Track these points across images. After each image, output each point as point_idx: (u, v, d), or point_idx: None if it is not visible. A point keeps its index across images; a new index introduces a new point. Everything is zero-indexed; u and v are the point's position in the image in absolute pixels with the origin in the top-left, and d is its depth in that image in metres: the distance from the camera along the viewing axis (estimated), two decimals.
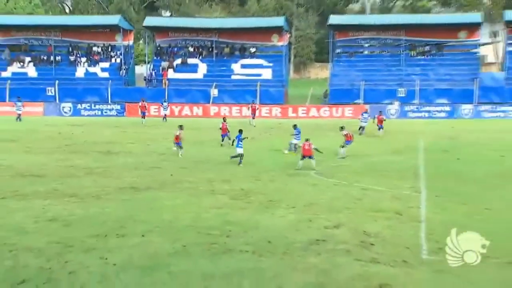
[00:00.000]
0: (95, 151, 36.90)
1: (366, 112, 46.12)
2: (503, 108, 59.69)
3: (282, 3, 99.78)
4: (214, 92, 65.26)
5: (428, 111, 60.27)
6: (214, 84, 65.94)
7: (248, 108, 56.24)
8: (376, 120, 44.48)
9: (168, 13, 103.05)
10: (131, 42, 74.14)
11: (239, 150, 31.98)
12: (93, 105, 64.69)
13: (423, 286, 14.78)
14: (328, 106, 62.78)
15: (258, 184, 27.08)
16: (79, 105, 64.50)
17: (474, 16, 73.04)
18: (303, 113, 60.71)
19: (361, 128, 44.65)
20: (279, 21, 72.25)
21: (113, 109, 64.12)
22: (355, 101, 62.69)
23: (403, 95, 62.84)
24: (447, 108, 60.49)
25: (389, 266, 16.08)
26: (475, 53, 68.60)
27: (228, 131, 36.44)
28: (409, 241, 18.28)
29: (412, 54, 67.83)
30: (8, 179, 27.86)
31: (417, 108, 61.06)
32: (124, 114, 63.12)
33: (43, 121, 55.59)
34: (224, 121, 35.92)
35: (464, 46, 68.66)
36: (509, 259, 16.55)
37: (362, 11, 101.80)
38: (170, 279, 15.14)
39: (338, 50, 69.81)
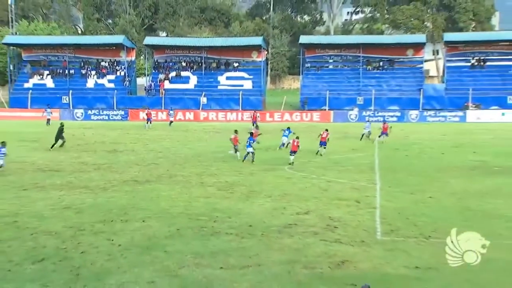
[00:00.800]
0: (102, 150, 36.65)
1: (368, 121, 43.56)
2: (443, 113, 60.09)
3: (260, 26, 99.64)
4: (203, 100, 65.07)
5: (382, 116, 60.35)
6: (203, 93, 65.73)
7: (250, 115, 55.55)
8: (381, 128, 40.17)
9: (164, 34, 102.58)
10: (133, 58, 73.79)
11: (249, 149, 31.29)
12: (101, 111, 64.20)
13: (377, 262, 14.83)
14: (299, 111, 62.84)
15: (240, 177, 27.03)
16: (89, 111, 64.01)
17: (419, 37, 73.36)
18: (278, 118, 60.63)
19: (363, 135, 41.37)
20: (257, 40, 72.21)
21: (118, 114, 63.63)
22: (322, 108, 62.83)
23: (361, 102, 63.01)
24: (398, 114, 60.72)
25: (350, 246, 16.14)
26: (420, 68, 68.86)
27: (239, 143, 33.53)
28: (366, 225, 18.37)
29: (368, 69, 67.95)
30: (30, 173, 27.63)
31: (373, 113, 61.20)
32: (128, 118, 62.67)
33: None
34: (236, 133, 33.51)
35: (411, 62, 68.92)
36: (444, 240, 16.56)
37: (327, 32, 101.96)
38: (166, 257, 15.09)
39: (307, 65, 69.80)
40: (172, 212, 19.91)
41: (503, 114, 58.74)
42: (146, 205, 21.03)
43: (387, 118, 58.59)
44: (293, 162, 30.31)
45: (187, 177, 26.87)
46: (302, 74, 70.02)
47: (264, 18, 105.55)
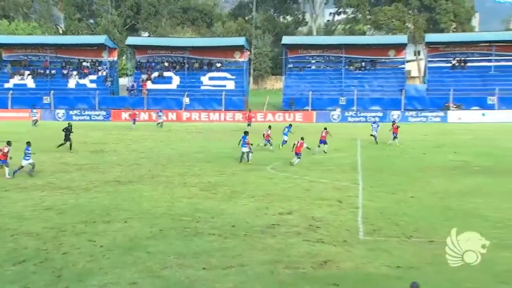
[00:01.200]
0: (84, 150, 36.42)
1: (375, 122, 41.89)
2: (424, 114, 60.48)
3: (243, 26, 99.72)
4: (186, 100, 64.91)
5: (364, 116, 60.72)
6: (186, 93, 65.54)
7: (246, 115, 54.99)
8: (391, 129, 39.25)
9: (146, 34, 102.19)
10: (115, 58, 73.41)
11: (244, 149, 31.06)
12: (82, 111, 63.81)
13: (359, 261, 14.90)
14: (282, 112, 62.92)
15: (223, 177, 27.01)
16: (71, 111, 63.53)
17: (400, 38, 73.87)
18: (261, 118, 60.53)
19: (376, 138, 39.75)
20: (240, 40, 72.32)
21: (100, 114, 63.28)
22: (304, 108, 62.97)
23: (344, 103, 63.17)
24: (380, 114, 60.81)
25: (332, 245, 16.20)
26: (402, 68, 69.34)
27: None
28: (348, 224, 18.45)
29: (351, 69, 68.21)
30: None
31: (355, 113, 61.49)
32: (110, 119, 62.37)
33: (41, 125, 54.61)
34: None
35: (393, 62, 69.32)
36: (429, 239, 16.80)
37: (309, 33, 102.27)
38: (149, 258, 15.05)
39: (290, 65, 69.91)
40: (155, 213, 19.85)
41: (483, 114, 59.24)
42: (128, 205, 20.95)
43: (369, 118, 59.02)
44: (292, 163, 30.33)
45: (170, 178, 26.80)
46: (284, 74, 70.13)
47: (246, 18, 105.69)
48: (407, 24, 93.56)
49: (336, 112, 61.51)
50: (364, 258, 15.16)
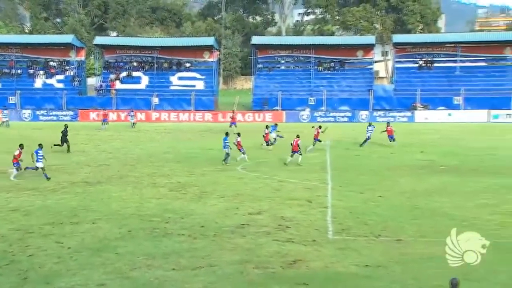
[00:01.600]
0: (52, 151, 35.89)
1: (370, 125, 39.98)
2: (392, 113, 60.85)
3: (212, 26, 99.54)
4: (155, 100, 64.53)
5: (333, 116, 61.12)
6: (155, 93, 65.15)
7: (231, 116, 54.32)
8: (385, 131, 38.44)
9: (115, 33, 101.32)
10: (83, 58, 72.60)
11: (227, 150, 30.83)
12: (49, 111, 62.99)
13: (328, 261, 15.01)
14: (252, 112, 62.93)
15: (192, 178, 26.94)
16: (38, 111, 62.73)
17: (368, 39, 74.62)
18: (231, 118, 60.34)
19: (366, 140, 38.68)
20: (209, 40, 72.23)
21: (67, 115, 62.50)
22: (272, 108, 63.06)
23: (313, 103, 63.41)
24: (349, 114, 61.48)
25: (302, 245, 16.28)
26: (370, 69, 69.99)
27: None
28: (318, 224, 18.57)
29: (320, 69, 68.61)
30: None
31: (324, 113, 61.78)
32: (78, 119, 61.65)
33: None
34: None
35: (361, 62, 69.91)
36: (397, 237, 17.00)
37: (279, 33, 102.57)
38: (117, 259, 14.94)
39: (259, 65, 69.99)
40: (124, 214, 19.72)
41: (449, 114, 60.08)
42: (97, 206, 20.77)
43: (338, 118, 59.48)
44: (287, 163, 30.43)
45: (139, 178, 26.63)
46: (254, 74, 70.18)
47: (216, 18, 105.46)
48: (375, 24, 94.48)
49: (305, 112, 61.74)
50: (333, 257, 15.27)
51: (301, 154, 30.80)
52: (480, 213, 19.85)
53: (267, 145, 36.64)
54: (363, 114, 60.58)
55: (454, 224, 18.38)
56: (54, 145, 35.15)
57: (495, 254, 15.02)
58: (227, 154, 30.82)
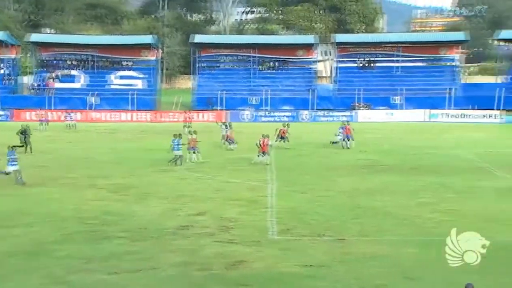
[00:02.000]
0: None
1: (342, 127, 38.70)
2: (334, 113, 61.35)
3: (152, 24, 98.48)
4: (94, 99, 63.27)
5: (276, 116, 61.25)
6: (95, 93, 63.86)
7: (186, 116, 53.26)
8: (343, 131, 37.58)
9: (51, 31, 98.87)
10: (17, 56, 70.42)
11: (178, 153, 30.12)
12: None
13: (271, 261, 15.07)
14: (194, 111, 62.45)
15: (133, 179, 26.58)
16: None
17: (309, 38, 75.27)
18: (173, 118, 59.84)
19: (335, 142, 37.88)
20: (148, 39, 71.32)
21: (1, 115, 60.65)
22: (213, 107, 62.78)
23: (256, 102, 63.62)
24: (290, 114, 61.73)
25: (245, 246, 16.30)
26: (312, 68, 70.73)
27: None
28: (261, 224, 18.63)
29: (261, 69, 68.92)
30: None
31: (267, 113, 61.87)
32: (12, 119, 59.75)
33: None
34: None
35: (303, 62, 70.47)
36: (340, 237, 17.20)
37: (220, 32, 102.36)
38: (54, 263, 14.61)
39: (202, 64, 69.63)
40: (62, 216, 19.29)
41: (392, 114, 60.91)
42: (33, 209, 20.26)
43: (281, 118, 59.58)
44: (265, 162, 30.47)
45: (78, 180, 26.11)
46: (197, 73, 69.66)
47: (155, 16, 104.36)
48: (316, 24, 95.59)
49: (248, 112, 61.70)
50: (276, 257, 15.34)
51: (269, 155, 30.96)
52: (421, 212, 20.35)
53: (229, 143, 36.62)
54: (305, 113, 60.97)
55: (396, 223, 18.88)
56: (15, 146, 34.04)
57: (435, 252, 15.48)
58: (181, 156, 30.28)
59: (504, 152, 35.27)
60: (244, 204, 21.43)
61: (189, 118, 51.92)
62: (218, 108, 62.78)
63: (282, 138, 37.26)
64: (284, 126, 38.16)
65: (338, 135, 37.94)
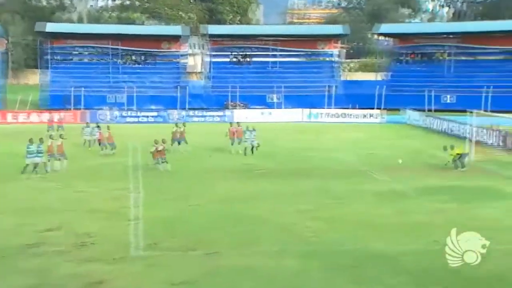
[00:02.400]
0: None
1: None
2: (207, 113, 60.59)
3: None
4: None
5: (142, 116, 60.12)
6: None
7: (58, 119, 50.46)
8: (228, 134, 37.25)
9: None
10: None
11: (35, 160, 28.93)
12: None
13: (135, 279, 14.97)
14: (48, 111, 59.92)
15: None
16: None
17: (177, 29, 75.06)
18: (24, 119, 56.97)
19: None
20: None
21: None
22: (67, 107, 60.33)
23: (119, 101, 62.39)
24: (158, 114, 60.56)
25: (104, 264, 16.02)
26: (181, 63, 70.49)
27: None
28: (124, 239, 18.38)
29: (125, 63, 67.90)
30: None
31: (131, 113, 60.24)
32: None
33: None
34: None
35: (171, 56, 70.15)
36: (211, 249, 17.29)
37: (74, 20, 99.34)
38: None
39: (56, 57, 67.43)
40: None
41: (270, 113, 61.38)
42: None
43: (148, 119, 58.59)
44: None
45: None
46: (49, 68, 67.28)
47: None
48: (186, 14, 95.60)
49: (107, 111, 59.78)
50: (140, 275, 15.24)
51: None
52: (299, 219, 20.92)
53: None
54: (175, 113, 59.61)
55: (274, 231, 19.29)
56: None
57: (316, 263, 16.04)
58: (38, 164, 29.03)
59: (384, 154, 36.98)
60: (105, 217, 21.03)
61: (60, 120, 49.98)
62: (69, 107, 60.22)
63: (178, 141, 36.85)
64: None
65: (246, 140, 36.87)
